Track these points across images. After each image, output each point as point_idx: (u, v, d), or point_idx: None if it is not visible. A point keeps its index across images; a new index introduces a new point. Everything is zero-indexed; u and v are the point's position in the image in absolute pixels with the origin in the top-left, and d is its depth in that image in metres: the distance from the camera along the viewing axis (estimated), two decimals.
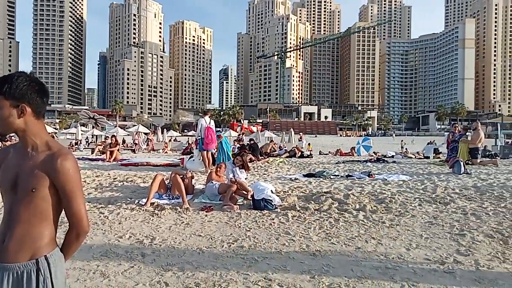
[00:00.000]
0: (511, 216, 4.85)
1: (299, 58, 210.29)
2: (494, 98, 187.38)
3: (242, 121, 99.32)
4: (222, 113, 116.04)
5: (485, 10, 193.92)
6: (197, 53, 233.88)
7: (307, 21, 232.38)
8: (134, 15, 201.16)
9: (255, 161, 12.84)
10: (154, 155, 18.62)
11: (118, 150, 13.80)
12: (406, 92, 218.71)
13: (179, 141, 33.18)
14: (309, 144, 28.14)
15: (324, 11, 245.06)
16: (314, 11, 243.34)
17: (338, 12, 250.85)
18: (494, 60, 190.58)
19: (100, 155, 15.40)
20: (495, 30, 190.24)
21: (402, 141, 36.19)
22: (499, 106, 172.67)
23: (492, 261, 3.33)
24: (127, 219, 4.78)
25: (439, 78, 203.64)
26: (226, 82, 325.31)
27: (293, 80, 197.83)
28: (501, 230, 4.22)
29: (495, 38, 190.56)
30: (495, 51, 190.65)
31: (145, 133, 32.57)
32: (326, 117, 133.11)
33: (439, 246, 3.74)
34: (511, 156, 18.02)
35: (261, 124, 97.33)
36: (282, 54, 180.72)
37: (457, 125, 13.01)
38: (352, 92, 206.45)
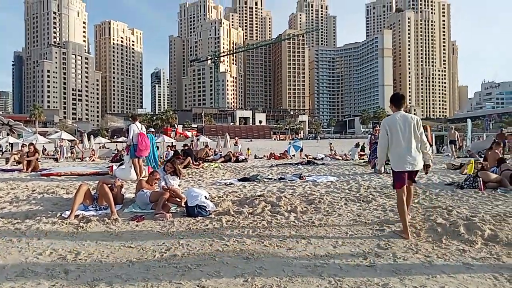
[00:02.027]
0: (423, 211, 5.40)
1: (233, 63, 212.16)
2: (410, 103, 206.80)
3: (176, 126, 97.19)
4: (154, 117, 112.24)
5: (400, 23, 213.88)
6: (126, 55, 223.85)
7: (240, 26, 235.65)
8: (54, 12, 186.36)
9: (189, 167, 12.65)
10: (79, 164, 17.39)
11: (37, 159, 12.64)
12: (334, 98, 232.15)
13: (108, 148, 31.41)
14: (248, 149, 28.57)
15: (256, 18, 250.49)
16: (246, 17, 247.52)
17: (269, 19, 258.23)
18: (409, 68, 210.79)
19: (16, 165, 13.98)
20: (409, 41, 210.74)
21: (331, 143, 38.31)
22: (414, 110, 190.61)
23: (407, 253, 3.67)
24: (48, 234, 4.40)
25: (362, 84, 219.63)
26: (159, 86, 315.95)
27: (228, 85, 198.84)
28: (414, 224, 4.67)
29: (409, 48, 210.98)
30: (409, 60, 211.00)
31: (70, 140, 30.30)
32: (260, 122, 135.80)
33: (362, 242, 4.02)
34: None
35: (196, 129, 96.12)
36: (216, 58, 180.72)
37: (377, 127, 14.10)
38: (284, 97, 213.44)
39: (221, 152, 20.77)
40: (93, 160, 20.36)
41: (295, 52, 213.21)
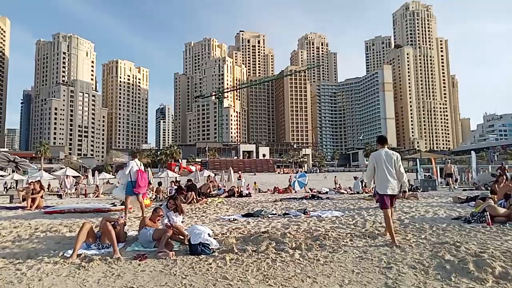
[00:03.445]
0: (430, 247, 5.28)
1: (236, 98, 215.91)
2: (412, 135, 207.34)
3: (180, 161, 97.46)
4: (159, 152, 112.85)
5: (399, 58, 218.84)
6: (133, 92, 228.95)
7: (243, 63, 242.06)
8: (64, 53, 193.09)
9: (192, 203, 12.58)
10: (83, 200, 17.34)
11: (41, 196, 12.64)
12: (336, 131, 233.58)
13: (112, 184, 31.39)
14: (255, 183, 28.56)
15: (259, 55, 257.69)
16: (249, 54, 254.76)
17: (272, 56, 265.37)
18: (410, 102, 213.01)
19: (21, 203, 13.95)
20: (409, 76, 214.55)
21: (335, 177, 38.08)
22: (417, 142, 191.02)
23: None
24: (49, 274, 4.34)
25: (364, 118, 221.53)
26: (163, 122, 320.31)
27: (231, 120, 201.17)
28: (422, 261, 4.56)
29: (409, 82, 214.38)
30: (410, 93, 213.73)
31: (74, 176, 30.39)
32: (264, 155, 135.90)
33: (369, 280, 3.93)
34: (429, 189, 19.82)
35: (200, 163, 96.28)
36: (220, 94, 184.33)
37: None
38: (287, 130, 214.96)
39: (224, 187, 20.69)
40: (97, 196, 20.31)
41: (297, 87, 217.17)
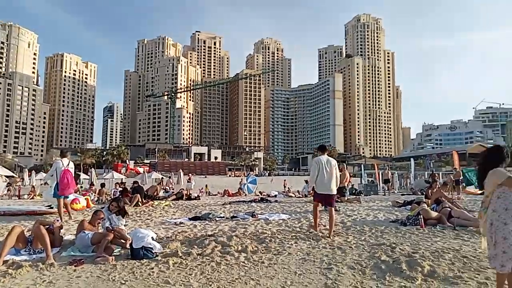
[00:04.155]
0: (369, 248, 5.55)
1: (190, 99, 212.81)
2: (358, 142, 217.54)
3: (127, 162, 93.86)
4: (105, 153, 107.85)
5: (349, 68, 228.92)
6: (78, 88, 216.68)
7: (198, 64, 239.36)
8: (2, 42, 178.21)
9: (138, 205, 12.15)
10: (16, 202, 16.05)
11: None
12: (288, 135, 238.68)
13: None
14: (206, 185, 28.28)
15: (214, 57, 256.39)
16: (204, 55, 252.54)
17: (227, 58, 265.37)
18: (358, 110, 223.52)
19: None
20: (358, 85, 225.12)
21: (285, 181, 38.78)
22: (363, 149, 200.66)
23: None
24: None
25: (315, 124, 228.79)
26: (111, 120, 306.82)
27: (184, 121, 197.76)
28: (361, 262, 4.78)
29: (358, 91, 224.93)
30: (358, 102, 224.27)
31: (7, 176, 28.07)
32: (216, 158, 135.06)
33: (310, 281, 4.03)
34: (372, 193, 20.89)
35: (148, 165, 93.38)
36: (173, 94, 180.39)
37: None
38: (240, 134, 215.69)
39: (173, 189, 20.24)
40: (32, 198, 18.92)
41: (252, 91, 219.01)
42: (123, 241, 5.47)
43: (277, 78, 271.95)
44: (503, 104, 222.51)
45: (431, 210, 8.47)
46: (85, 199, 11.86)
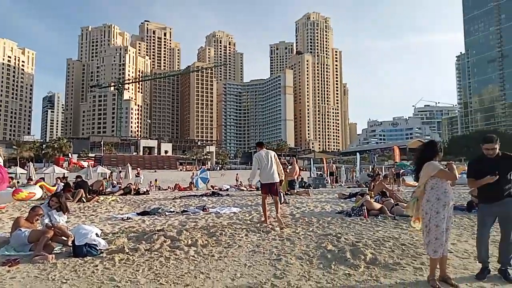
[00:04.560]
0: (316, 239, 5.76)
1: (139, 91, 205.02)
2: (308, 136, 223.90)
3: (70, 156, 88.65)
4: (44, 145, 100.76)
5: (300, 64, 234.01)
6: (14, 76, 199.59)
7: (147, 55, 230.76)
8: None
9: (82, 201, 11.55)
10: None
11: None
12: (240, 129, 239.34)
13: None
14: (156, 180, 27.48)
15: (164, 48, 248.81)
16: (154, 46, 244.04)
17: (178, 50, 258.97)
18: (308, 106, 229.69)
19: None
20: (307, 81, 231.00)
21: (237, 174, 38.90)
22: (312, 143, 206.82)
23: (300, 281, 3.84)
24: None
25: (267, 118, 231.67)
26: (51, 111, 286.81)
27: (132, 113, 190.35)
28: (308, 252, 4.94)
29: (307, 87, 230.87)
30: (308, 98, 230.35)
31: None
32: (166, 152, 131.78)
33: (259, 273, 4.09)
34: (320, 186, 21.63)
35: (93, 158, 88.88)
36: (120, 85, 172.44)
37: (286, 159, 14.91)
38: (192, 127, 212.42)
39: (120, 184, 19.49)
40: None
41: (204, 84, 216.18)
42: (64, 238, 5.18)
43: (230, 72, 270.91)
44: (439, 103, 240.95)
45: (374, 201, 8.96)
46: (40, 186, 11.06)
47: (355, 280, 3.85)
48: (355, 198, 10.92)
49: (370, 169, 26.10)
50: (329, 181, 22.21)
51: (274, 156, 7.55)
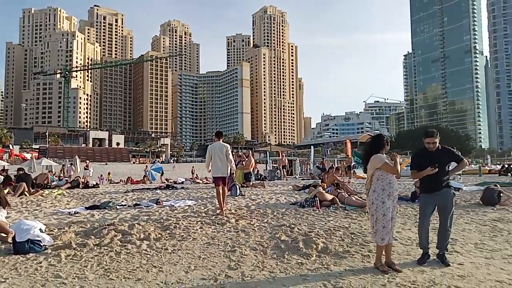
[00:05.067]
0: (270, 229, 5.85)
1: (88, 80, 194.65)
2: (265, 129, 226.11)
3: (11, 147, 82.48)
4: None
5: (256, 57, 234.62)
6: None
7: (97, 41, 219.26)
8: None
9: (24, 195, 10.82)
10: None
11: None
12: (196, 122, 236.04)
13: None
14: (108, 173, 26.40)
15: (116, 35, 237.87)
16: (104, 33, 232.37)
17: (131, 38, 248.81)
18: (264, 99, 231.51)
19: None
20: (264, 74, 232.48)
21: (193, 167, 38.40)
22: (268, 136, 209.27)
23: (254, 271, 3.89)
24: None
25: (224, 111, 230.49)
26: None
27: (80, 103, 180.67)
28: (262, 243, 5.02)
29: (264, 81, 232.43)
30: (264, 91, 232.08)
31: None
32: (118, 144, 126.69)
33: (214, 264, 4.09)
34: (276, 178, 21.98)
35: (38, 150, 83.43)
36: (67, 73, 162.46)
37: (234, 153, 14.91)
38: (146, 119, 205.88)
39: (67, 177, 18.49)
40: None
41: (158, 75, 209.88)
42: (3, 234, 4.83)
43: (185, 63, 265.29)
44: (387, 99, 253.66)
45: (326, 193, 9.27)
46: None
47: (307, 268, 3.97)
48: (308, 189, 11.22)
49: (319, 162, 27.13)
50: (282, 174, 22.68)
51: (227, 149, 7.71)
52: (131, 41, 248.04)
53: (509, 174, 24.59)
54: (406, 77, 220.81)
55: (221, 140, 7.91)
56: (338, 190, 9.43)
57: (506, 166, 29.30)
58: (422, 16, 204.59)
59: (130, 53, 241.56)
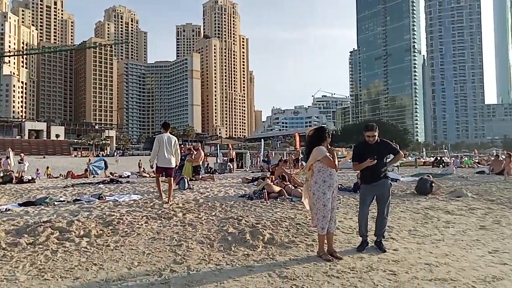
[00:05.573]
0: (218, 222, 5.84)
1: (23, 66, 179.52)
2: (215, 122, 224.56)
3: None
4: None
5: (207, 48, 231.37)
6: None
7: (33, 25, 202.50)
8: None
9: None
10: None
11: None
12: (144, 113, 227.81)
13: None
14: (47, 167, 24.76)
15: (55, 19, 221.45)
16: (41, 16, 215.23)
17: (72, 22, 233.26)
18: (215, 91, 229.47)
19: None
20: (215, 66, 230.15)
21: (140, 161, 37.12)
22: (219, 129, 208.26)
23: (200, 264, 3.87)
24: None
25: (173, 102, 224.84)
26: None
27: (14, 91, 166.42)
28: (210, 236, 4.99)
29: (215, 73, 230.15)
30: (215, 83, 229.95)
31: None
32: (57, 136, 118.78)
33: (158, 260, 4.00)
34: (226, 171, 21.98)
35: None
36: None
37: (183, 145, 14.65)
38: (88, 109, 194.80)
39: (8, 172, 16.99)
40: None
41: (102, 63, 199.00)
42: None
43: (132, 52, 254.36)
44: (334, 94, 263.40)
45: (274, 185, 9.43)
46: None
47: (253, 259, 4.02)
48: (257, 182, 11.35)
49: (265, 155, 27.69)
50: (231, 167, 22.79)
51: (175, 142, 8.03)
52: (72, 26, 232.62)
53: (441, 165, 26.81)
54: (352, 73, 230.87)
55: (168, 131, 8.10)
56: (285, 183, 9.64)
57: (439, 158, 31.95)
58: (367, 14, 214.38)
59: (71, 39, 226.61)
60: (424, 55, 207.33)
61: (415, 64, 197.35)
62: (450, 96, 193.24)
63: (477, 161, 31.76)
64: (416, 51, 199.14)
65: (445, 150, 49.34)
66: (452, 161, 29.14)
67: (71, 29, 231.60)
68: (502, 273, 3.64)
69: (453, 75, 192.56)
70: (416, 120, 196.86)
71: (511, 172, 14.81)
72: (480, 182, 13.13)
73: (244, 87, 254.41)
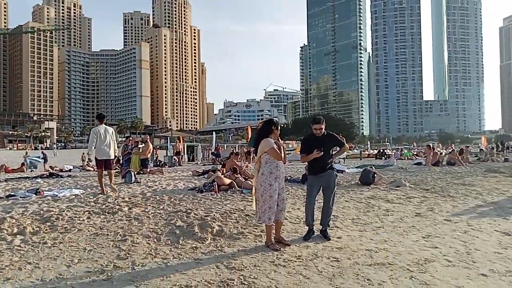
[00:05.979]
0: (166, 216, 5.70)
1: None
2: (166, 114, 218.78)
3: None
4: None
5: (157, 38, 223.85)
6: None
7: None
8: None
9: None
10: None
11: None
12: (88, 104, 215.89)
13: None
14: None
15: None
16: None
17: (5, 5, 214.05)
18: (165, 82, 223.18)
19: None
20: (165, 57, 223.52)
21: (83, 154, 35.21)
22: (170, 122, 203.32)
23: (146, 259, 3.75)
24: None
25: (120, 93, 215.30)
26: None
27: None
28: (157, 230, 4.86)
29: (165, 64, 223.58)
30: (165, 74, 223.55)
31: None
32: None
33: (101, 256, 3.82)
34: (177, 165, 21.56)
35: None
36: None
37: (131, 138, 14.11)
38: (25, 99, 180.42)
39: None
40: None
41: (41, 49, 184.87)
42: None
43: (75, 38, 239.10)
44: (286, 88, 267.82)
45: (225, 177, 9.40)
46: None
47: (201, 252, 3.98)
48: (207, 174, 11.26)
49: (214, 149, 27.67)
50: (177, 160, 22.42)
51: (112, 132, 8.20)
52: (5, 8, 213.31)
53: (383, 157, 28.42)
54: (302, 68, 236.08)
55: (103, 123, 8.21)
56: (236, 175, 9.66)
57: (381, 151, 33.88)
58: (317, 11, 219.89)
59: (5, 23, 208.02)
60: (369, 53, 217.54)
61: (361, 61, 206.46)
62: (393, 92, 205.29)
63: (415, 153, 34.04)
64: (362, 48, 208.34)
65: (387, 143, 52.39)
66: (393, 153, 30.96)
67: (5, 12, 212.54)
68: (433, 256, 3.93)
69: (396, 72, 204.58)
70: (362, 114, 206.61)
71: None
72: (417, 173, 14.10)
73: (195, 79, 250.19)
